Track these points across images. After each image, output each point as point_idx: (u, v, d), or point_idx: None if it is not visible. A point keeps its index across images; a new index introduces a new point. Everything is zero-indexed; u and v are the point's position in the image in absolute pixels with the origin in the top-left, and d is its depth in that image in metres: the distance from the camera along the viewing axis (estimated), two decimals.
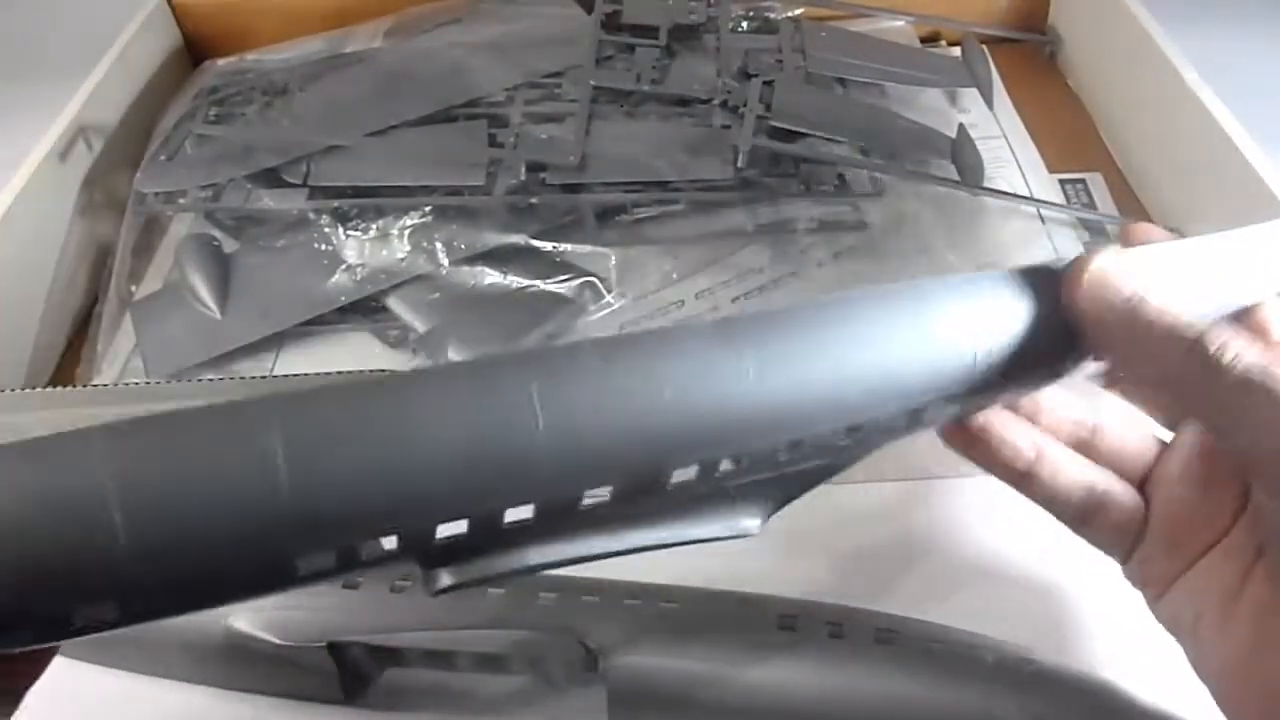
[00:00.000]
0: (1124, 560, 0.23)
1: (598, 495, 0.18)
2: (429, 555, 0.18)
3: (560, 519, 0.18)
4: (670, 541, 0.20)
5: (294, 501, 0.15)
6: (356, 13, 0.52)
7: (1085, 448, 0.23)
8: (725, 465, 0.19)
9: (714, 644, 0.28)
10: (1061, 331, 0.20)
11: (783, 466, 0.20)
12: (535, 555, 0.19)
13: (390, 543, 0.17)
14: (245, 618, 0.28)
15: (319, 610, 0.28)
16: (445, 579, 0.18)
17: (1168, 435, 0.24)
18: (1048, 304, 0.20)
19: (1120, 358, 0.20)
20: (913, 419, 0.20)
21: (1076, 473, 0.23)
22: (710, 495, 0.20)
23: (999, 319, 0.20)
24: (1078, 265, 0.19)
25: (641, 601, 0.28)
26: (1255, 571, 0.21)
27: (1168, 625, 0.23)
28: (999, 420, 0.22)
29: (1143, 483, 0.23)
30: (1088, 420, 0.23)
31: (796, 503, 0.36)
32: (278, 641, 0.28)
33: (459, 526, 0.17)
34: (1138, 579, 0.23)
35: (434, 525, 0.17)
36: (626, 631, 0.28)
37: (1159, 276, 0.19)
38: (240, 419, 0.16)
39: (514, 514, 0.18)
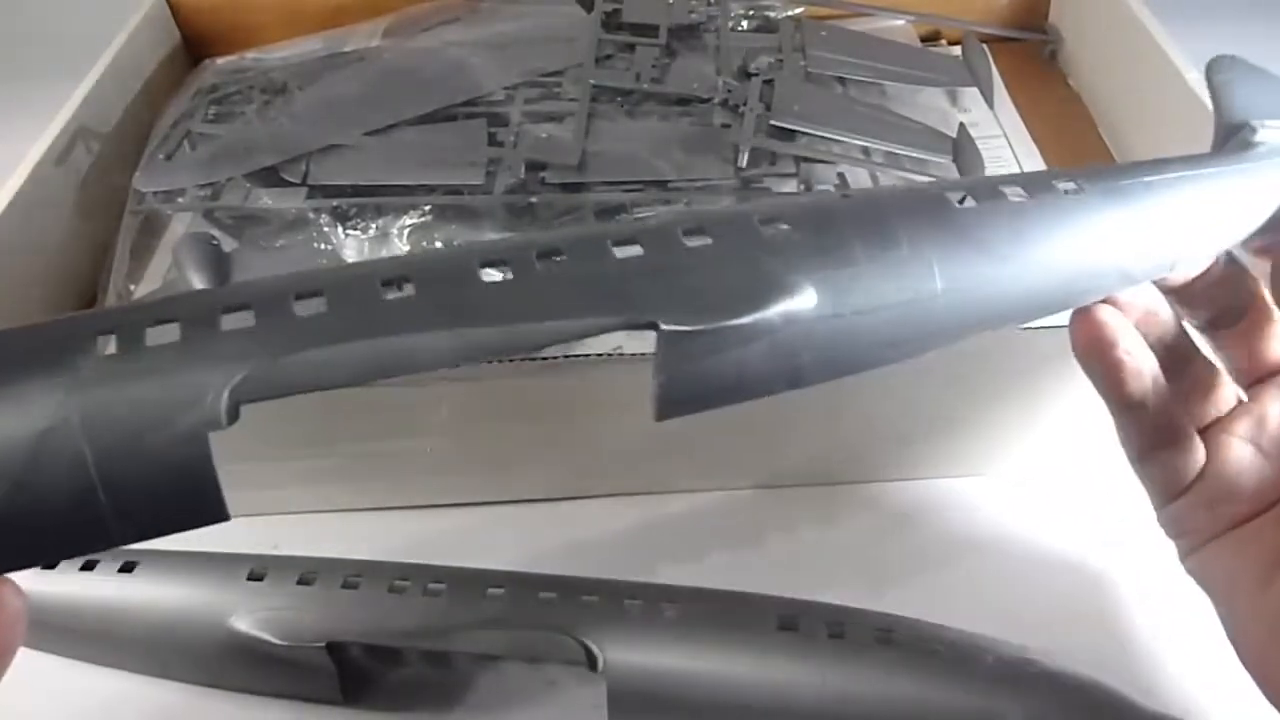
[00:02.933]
0: (1165, 503, 0.23)
1: (403, 292, 0.17)
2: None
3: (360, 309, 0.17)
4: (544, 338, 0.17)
5: None
6: (355, 11, 0.52)
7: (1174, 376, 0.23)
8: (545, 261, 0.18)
9: (714, 644, 0.28)
10: None
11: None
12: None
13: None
14: (245, 618, 0.28)
15: (319, 611, 0.28)
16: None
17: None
18: None
19: None
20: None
21: (1165, 405, 0.23)
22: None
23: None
24: None
25: (641, 601, 0.28)
26: None
27: (1198, 579, 0.23)
28: (1133, 337, 0.22)
29: (1205, 430, 0.23)
30: (1186, 350, 0.24)
31: (796, 504, 0.36)
32: (278, 642, 0.28)
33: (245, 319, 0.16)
34: (1175, 526, 0.24)
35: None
36: (626, 631, 0.28)
37: None
38: None
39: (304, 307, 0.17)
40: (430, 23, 0.50)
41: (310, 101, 0.44)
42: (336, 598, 0.29)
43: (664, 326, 0.17)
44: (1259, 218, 0.22)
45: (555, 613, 0.28)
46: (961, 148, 0.42)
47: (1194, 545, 0.23)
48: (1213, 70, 0.25)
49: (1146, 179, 0.22)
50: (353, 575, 0.29)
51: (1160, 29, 0.43)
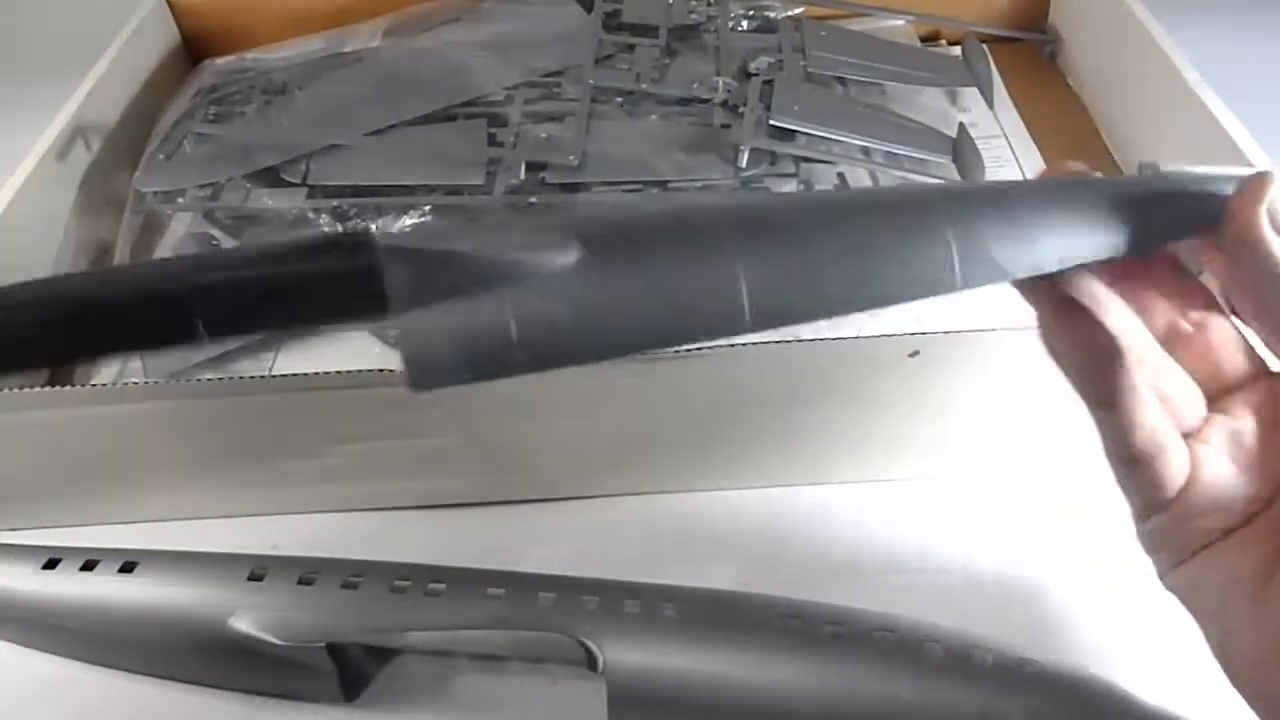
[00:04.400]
0: (1149, 516, 0.22)
1: None
2: None
3: None
4: None
5: None
6: (355, 12, 0.52)
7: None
8: None
9: (714, 644, 0.28)
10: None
11: None
12: None
13: None
14: (245, 618, 0.28)
15: (319, 611, 0.28)
16: None
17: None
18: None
19: (1250, 276, 0.20)
20: None
21: (1154, 411, 0.21)
22: None
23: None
24: (1258, 182, 0.19)
25: (641, 601, 0.28)
26: None
27: (1182, 595, 0.22)
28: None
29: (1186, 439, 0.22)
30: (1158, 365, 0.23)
31: (796, 504, 0.36)
32: (277, 642, 0.28)
33: None
34: (1157, 540, 0.22)
35: None
36: (626, 632, 0.28)
37: None
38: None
39: None
40: (430, 23, 0.50)
41: (310, 102, 0.44)
42: (336, 598, 0.29)
43: (379, 239, 0.15)
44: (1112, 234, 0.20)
45: (555, 613, 0.28)
46: (961, 148, 0.42)
47: (1176, 561, 0.22)
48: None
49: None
50: (353, 575, 0.29)
51: (1159, 29, 0.43)
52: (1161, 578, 0.23)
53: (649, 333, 0.16)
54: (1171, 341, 0.23)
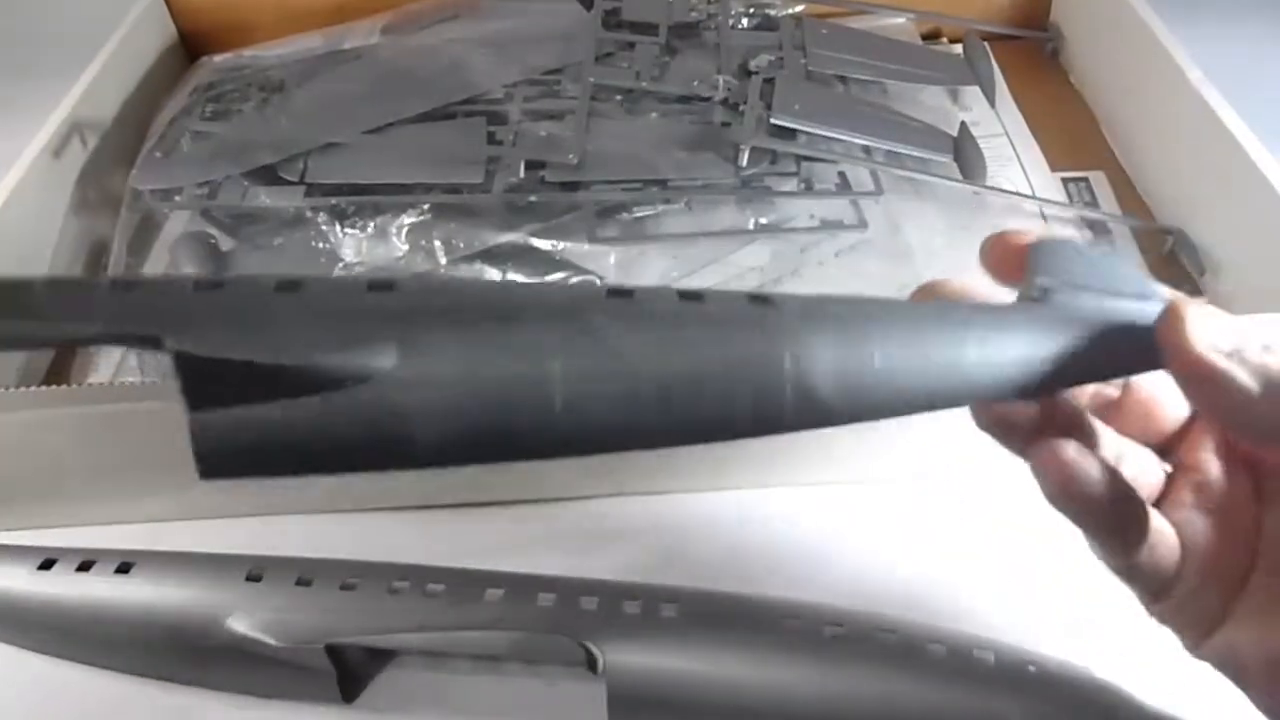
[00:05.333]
0: (1157, 600, 0.21)
1: None
2: None
3: None
4: None
5: None
6: (354, 9, 0.52)
7: None
8: None
9: (714, 644, 0.28)
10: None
11: None
12: None
13: None
14: (243, 619, 0.28)
15: (317, 612, 0.28)
16: None
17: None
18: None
19: (1217, 407, 0.19)
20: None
21: (1153, 527, 0.21)
22: None
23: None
24: (1174, 315, 0.19)
25: (641, 603, 0.28)
26: None
27: (1219, 664, 0.21)
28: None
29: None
30: (1111, 452, 0.22)
31: (794, 505, 0.36)
32: (276, 643, 0.28)
33: None
34: (1174, 622, 0.22)
35: None
36: (626, 633, 0.28)
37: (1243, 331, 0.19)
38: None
39: None
40: (429, 20, 0.49)
41: (308, 99, 0.44)
42: (335, 599, 0.29)
43: (169, 344, 0.15)
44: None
45: (554, 614, 0.28)
46: (963, 146, 0.42)
47: (1204, 633, 0.21)
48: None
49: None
50: (351, 576, 0.29)
51: (1162, 27, 0.43)
52: (1193, 652, 0.22)
53: (450, 448, 0.16)
54: (1104, 411, 0.22)
